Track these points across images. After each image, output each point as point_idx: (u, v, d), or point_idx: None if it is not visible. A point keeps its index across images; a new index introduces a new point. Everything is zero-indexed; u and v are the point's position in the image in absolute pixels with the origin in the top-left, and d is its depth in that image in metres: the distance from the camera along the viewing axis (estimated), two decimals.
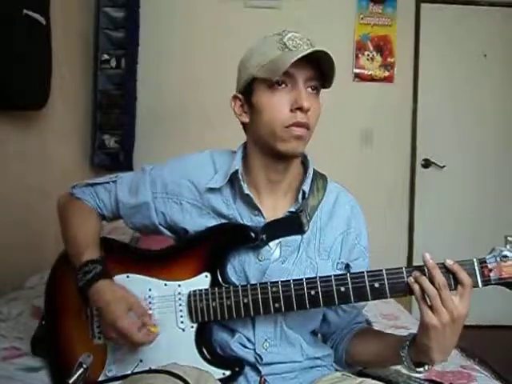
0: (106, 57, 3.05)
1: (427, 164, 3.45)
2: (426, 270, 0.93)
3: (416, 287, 0.92)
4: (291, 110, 1.00)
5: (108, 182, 1.19)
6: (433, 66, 3.42)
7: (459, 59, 3.43)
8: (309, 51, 0.97)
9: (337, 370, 1.14)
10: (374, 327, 1.22)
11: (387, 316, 1.77)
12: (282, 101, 1.01)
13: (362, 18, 3.36)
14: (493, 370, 1.53)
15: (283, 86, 1.01)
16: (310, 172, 1.12)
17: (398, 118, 3.41)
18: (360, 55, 3.37)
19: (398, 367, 1.25)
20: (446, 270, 0.92)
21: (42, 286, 1.24)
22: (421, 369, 0.98)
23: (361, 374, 1.10)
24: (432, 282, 0.90)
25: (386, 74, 3.38)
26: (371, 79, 3.38)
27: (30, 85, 2.19)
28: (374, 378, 1.07)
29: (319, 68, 1.01)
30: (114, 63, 3.05)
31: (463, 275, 0.90)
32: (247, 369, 1.05)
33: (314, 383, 1.08)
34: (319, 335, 1.21)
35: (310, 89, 1.02)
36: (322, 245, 1.10)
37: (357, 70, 3.38)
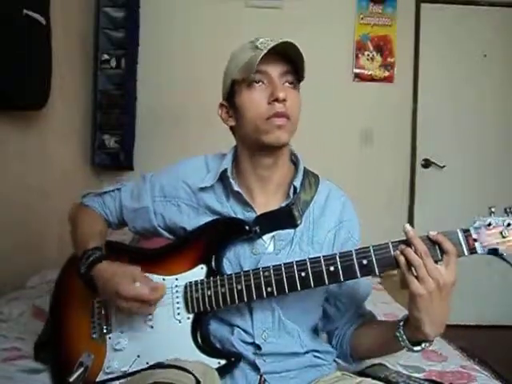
0: (106, 57, 3.05)
1: (427, 164, 3.45)
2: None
3: (402, 259, 0.95)
4: (269, 103, 1.06)
5: (113, 190, 1.26)
6: (433, 65, 3.42)
7: (459, 59, 3.43)
8: (275, 43, 1.03)
9: (338, 370, 1.15)
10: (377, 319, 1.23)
11: (388, 315, 1.77)
12: (260, 96, 1.07)
13: (362, 18, 3.36)
14: (493, 370, 1.53)
15: (260, 83, 1.07)
16: (301, 168, 1.16)
17: (398, 118, 3.41)
18: (360, 55, 3.37)
19: (399, 368, 1.26)
20: (432, 242, 0.95)
21: (43, 285, 1.25)
22: (418, 347, 1.01)
23: (361, 374, 1.11)
24: (415, 251, 0.94)
25: (386, 74, 3.38)
26: (371, 79, 3.38)
27: (30, 85, 2.19)
28: (374, 378, 1.07)
29: (293, 64, 1.07)
30: (114, 63, 3.05)
31: (447, 244, 0.93)
32: (247, 368, 1.07)
33: (313, 382, 1.09)
34: (324, 335, 1.23)
35: (286, 83, 1.08)
36: (315, 238, 1.13)
37: (357, 70, 3.38)
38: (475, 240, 0.95)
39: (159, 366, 0.99)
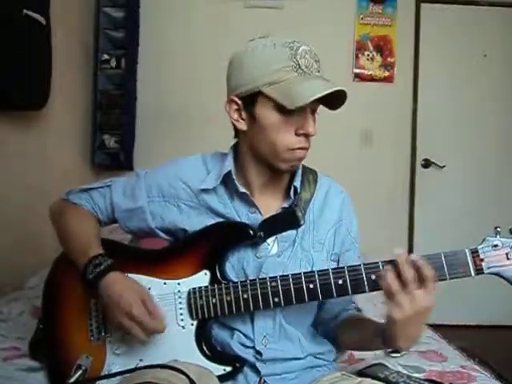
0: (106, 57, 3.05)
1: (427, 164, 3.45)
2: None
3: (383, 282, 0.93)
4: (296, 134, 1.03)
5: (102, 187, 1.21)
6: (433, 66, 3.42)
7: (459, 59, 3.43)
8: (330, 91, 0.98)
9: (338, 370, 1.14)
10: (362, 314, 1.22)
11: None
12: (288, 124, 1.02)
13: (362, 18, 3.36)
14: (493, 370, 1.53)
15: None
16: (299, 167, 1.14)
17: (398, 118, 3.41)
18: (360, 55, 3.37)
19: (399, 368, 1.25)
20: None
21: (43, 286, 1.24)
22: (397, 354, 1.04)
23: (361, 374, 1.11)
24: (399, 276, 0.92)
25: (386, 74, 3.38)
26: (371, 79, 3.38)
27: (30, 85, 2.19)
28: (374, 378, 1.07)
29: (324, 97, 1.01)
30: (114, 63, 3.05)
31: (427, 270, 0.91)
32: (247, 370, 1.06)
33: (313, 383, 1.08)
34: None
35: (311, 112, 1.05)
36: (316, 237, 1.12)
37: (357, 70, 3.38)
38: (482, 260, 0.95)
39: (154, 366, 0.98)
